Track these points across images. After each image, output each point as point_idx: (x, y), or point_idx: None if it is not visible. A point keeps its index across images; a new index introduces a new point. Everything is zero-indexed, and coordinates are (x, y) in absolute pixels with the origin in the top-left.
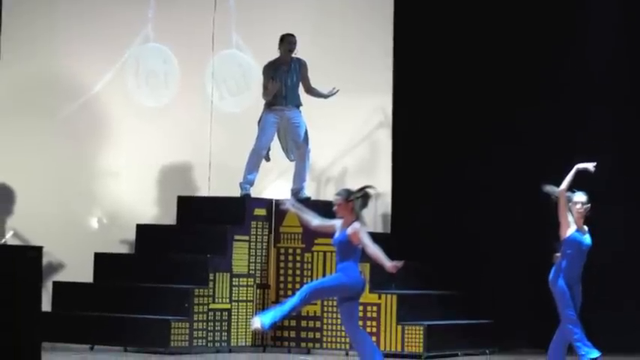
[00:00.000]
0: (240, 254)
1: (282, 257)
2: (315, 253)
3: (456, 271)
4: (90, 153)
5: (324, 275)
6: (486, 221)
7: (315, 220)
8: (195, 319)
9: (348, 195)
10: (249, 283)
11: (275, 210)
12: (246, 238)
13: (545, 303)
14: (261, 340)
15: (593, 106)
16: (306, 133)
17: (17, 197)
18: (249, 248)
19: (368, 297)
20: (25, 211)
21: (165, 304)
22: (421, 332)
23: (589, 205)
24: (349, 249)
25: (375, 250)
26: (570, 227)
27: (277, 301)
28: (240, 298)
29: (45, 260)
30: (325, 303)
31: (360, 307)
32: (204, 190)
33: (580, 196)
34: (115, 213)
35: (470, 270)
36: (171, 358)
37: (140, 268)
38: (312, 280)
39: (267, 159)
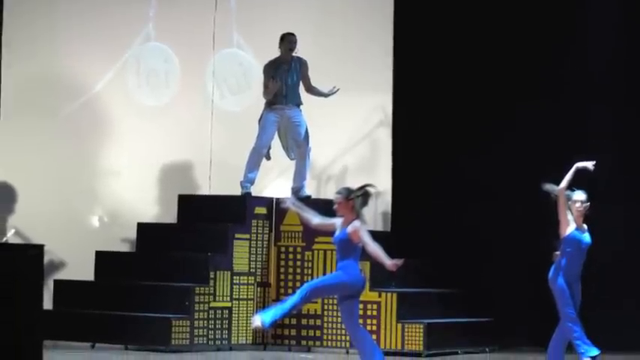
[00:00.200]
0: (241, 252)
1: (282, 255)
2: (316, 252)
3: (456, 269)
4: (91, 152)
5: (324, 273)
6: (486, 219)
7: (315, 219)
8: (196, 317)
9: (348, 193)
10: (249, 282)
11: (275, 208)
12: (247, 236)
13: (545, 301)
14: (262, 339)
15: (593, 105)
16: (306, 131)
17: (19, 196)
18: (250, 246)
19: (368, 295)
20: (26, 209)
21: (166, 303)
22: (421, 330)
23: (588, 203)
24: (349, 247)
25: (375, 249)
26: (570, 226)
27: (278, 300)
28: (241, 297)
29: (46, 258)
30: (325, 301)
31: (361, 306)
32: (204, 188)
33: (579, 195)
34: (116, 211)
35: (470, 268)
36: (172, 356)
37: (141, 266)
38: (312, 278)
39: (268, 158)
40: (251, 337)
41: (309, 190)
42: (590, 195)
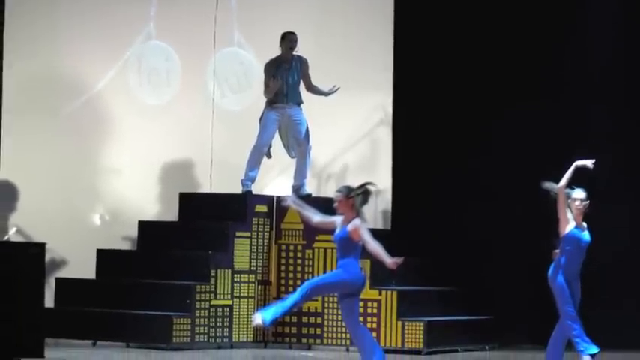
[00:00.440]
0: (242, 251)
1: (283, 254)
2: (316, 250)
3: (455, 267)
4: (92, 150)
5: (324, 271)
6: (486, 218)
7: (315, 217)
8: (197, 315)
9: (348, 192)
10: (250, 280)
11: (276, 207)
12: (248, 234)
13: (545, 299)
14: (263, 336)
15: (592, 104)
16: (307, 130)
17: (20, 194)
18: (251, 245)
19: (368, 293)
20: (28, 207)
21: (167, 300)
22: (421, 328)
23: (588, 201)
24: (350, 245)
25: (375, 247)
26: (569, 224)
27: (278, 297)
28: (242, 294)
29: (48, 257)
30: (326, 299)
31: (361, 303)
32: (205, 187)
33: (579, 193)
34: (117, 210)
35: (470, 266)
36: (173, 353)
37: (142, 264)
38: (312, 276)
39: (269, 156)
40: (252, 335)
41: (310, 188)
42: (590, 194)
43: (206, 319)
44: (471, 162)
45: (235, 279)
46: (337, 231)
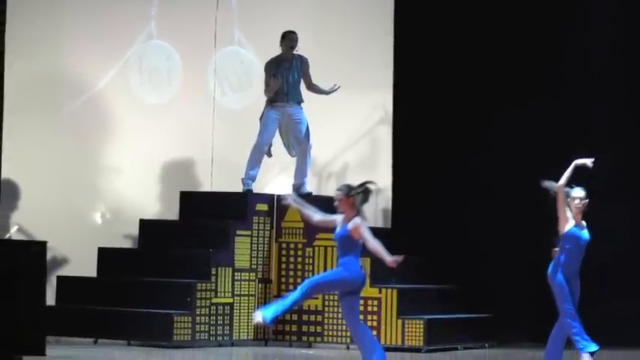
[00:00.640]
0: (242, 249)
1: (283, 252)
2: (317, 248)
3: (455, 265)
4: (94, 149)
5: (325, 270)
6: (486, 216)
7: (316, 215)
8: (198, 313)
9: (348, 190)
10: (251, 278)
11: (277, 205)
12: (248, 233)
13: (544, 297)
14: (263, 334)
15: (592, 103)
16: (307, 129)
17: (22, 193)
18: (251, 243)
19: (368, 291)
20: (29, 206)
21: (168, 299)
22: (421, 326)
23: (587, 200)
24: (350, 244)
25: (375, 245)
26: (569, 222)
27: (279, 296)
28: (242, 293)
29: (49, 255)
30: (326, 297)
31: (361, 302)
32: (206, 185)
33: (578, 192)
34: (118, 208)
35: (469, 264)
36: (174, 351)
37: (143, 262)
38: (313, 274)
39: (269, 155)
40: (252, 333)
41: (310, 187)
42: (589, 192)
43: (207, 317)
44: (470, 160)
45: (236, 277)
46: (337, 229)
